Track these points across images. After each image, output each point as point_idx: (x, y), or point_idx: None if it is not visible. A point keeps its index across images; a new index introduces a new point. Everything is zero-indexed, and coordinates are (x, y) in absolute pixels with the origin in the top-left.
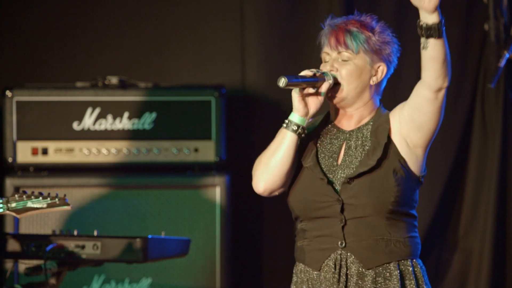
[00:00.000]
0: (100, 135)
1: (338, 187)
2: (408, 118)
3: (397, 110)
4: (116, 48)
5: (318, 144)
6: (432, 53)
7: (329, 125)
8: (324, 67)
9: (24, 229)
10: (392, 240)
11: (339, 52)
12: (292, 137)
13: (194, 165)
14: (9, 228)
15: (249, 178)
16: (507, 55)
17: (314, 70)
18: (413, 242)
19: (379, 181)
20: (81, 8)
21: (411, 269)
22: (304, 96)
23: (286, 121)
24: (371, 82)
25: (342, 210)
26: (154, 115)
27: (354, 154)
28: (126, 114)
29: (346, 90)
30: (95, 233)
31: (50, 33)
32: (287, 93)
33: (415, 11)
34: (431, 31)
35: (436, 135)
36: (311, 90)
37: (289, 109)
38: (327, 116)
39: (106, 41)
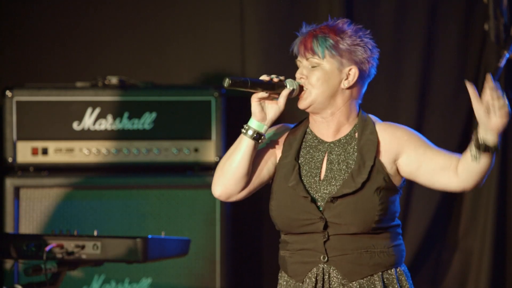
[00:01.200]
0: (100, 135)
1: (321, 204)
2: (414, 170)
3: (400, 139)
4: (116, 48)
5: (300, 160)
6: (483, 167)
7: (309, 136)
8: (296, 75)
9: (24, 229)
10: (376, 251)
11: (307, 59)
12: (249, 142)
13: (194, 165)
14: (9, 228)
15: None
16: (507, 55)
17: (273, 75)
18: (397, 250)
19: (363, 201)
20: (81, 8)
21: (395, 278)
22: (260, 101)
23: (245, 126)
24: (342, 86)
25: (325, 227)
26: (154, 115)
27: (337, 169)
28: (126, 114)
29: (312, 96)
30: (95, 233)
31: (50, 33)
32: None
33: (415, 11)
34: (490, 149)
35: (437, 136)
36: (264, 95)
37: (288, 110)
38: (305, 124)
39: (106, 41)
